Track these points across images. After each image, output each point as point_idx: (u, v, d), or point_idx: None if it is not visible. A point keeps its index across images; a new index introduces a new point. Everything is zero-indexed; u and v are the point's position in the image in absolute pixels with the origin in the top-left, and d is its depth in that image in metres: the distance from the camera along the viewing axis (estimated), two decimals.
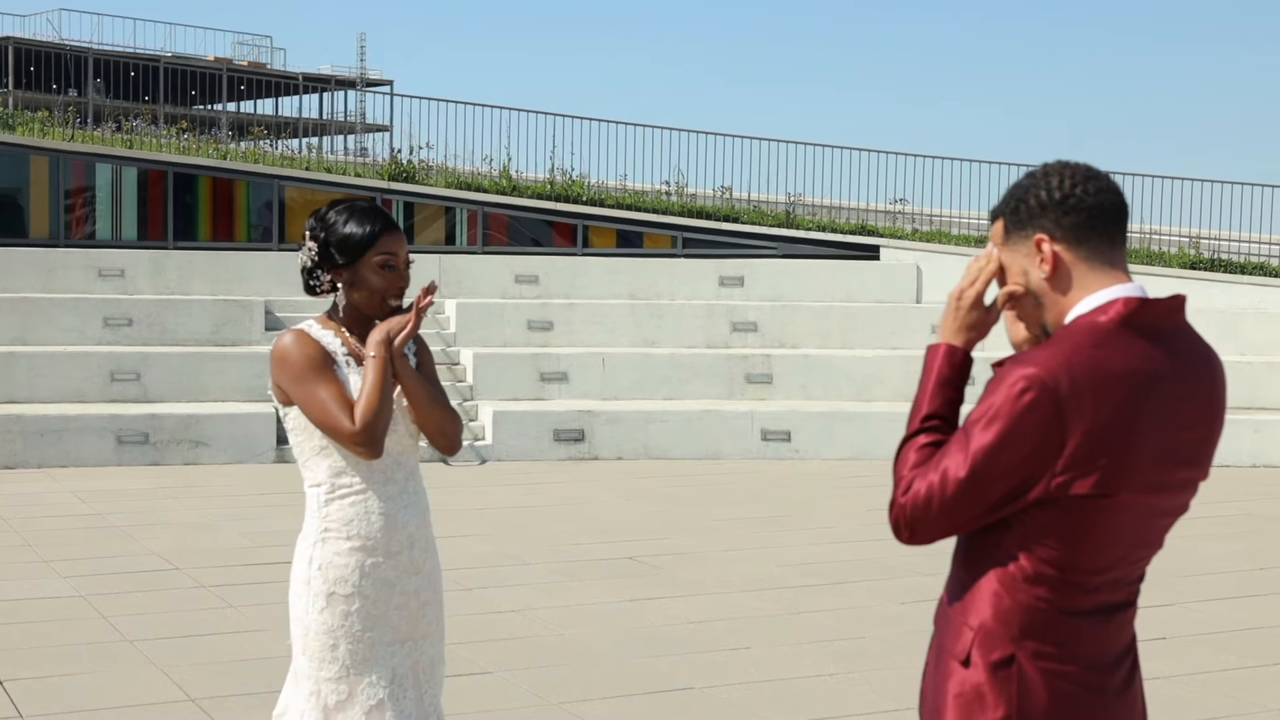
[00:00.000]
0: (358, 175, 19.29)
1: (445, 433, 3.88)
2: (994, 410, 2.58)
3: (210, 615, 7.90)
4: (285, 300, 16.19)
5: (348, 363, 3.79)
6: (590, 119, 21.05)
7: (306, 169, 19.21)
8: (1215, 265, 18.52)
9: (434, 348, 15.77)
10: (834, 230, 19.48)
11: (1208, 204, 20.37)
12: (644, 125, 21.10)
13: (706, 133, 21.11)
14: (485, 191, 19.04)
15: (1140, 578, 2.77)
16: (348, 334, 3.84)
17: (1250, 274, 18.17)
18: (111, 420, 13.47)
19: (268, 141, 25.91)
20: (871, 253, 18.95)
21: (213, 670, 6.82)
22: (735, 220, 19.46)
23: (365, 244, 3.76)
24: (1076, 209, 2.69)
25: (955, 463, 2.62)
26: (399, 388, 3.81)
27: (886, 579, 9.16)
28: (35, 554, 9.40)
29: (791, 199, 20.66)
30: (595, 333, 16.35)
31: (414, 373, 3.83)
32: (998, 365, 2.66)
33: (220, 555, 9.43)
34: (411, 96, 21.23)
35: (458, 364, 15.60)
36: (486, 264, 17.49)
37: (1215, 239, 19.92)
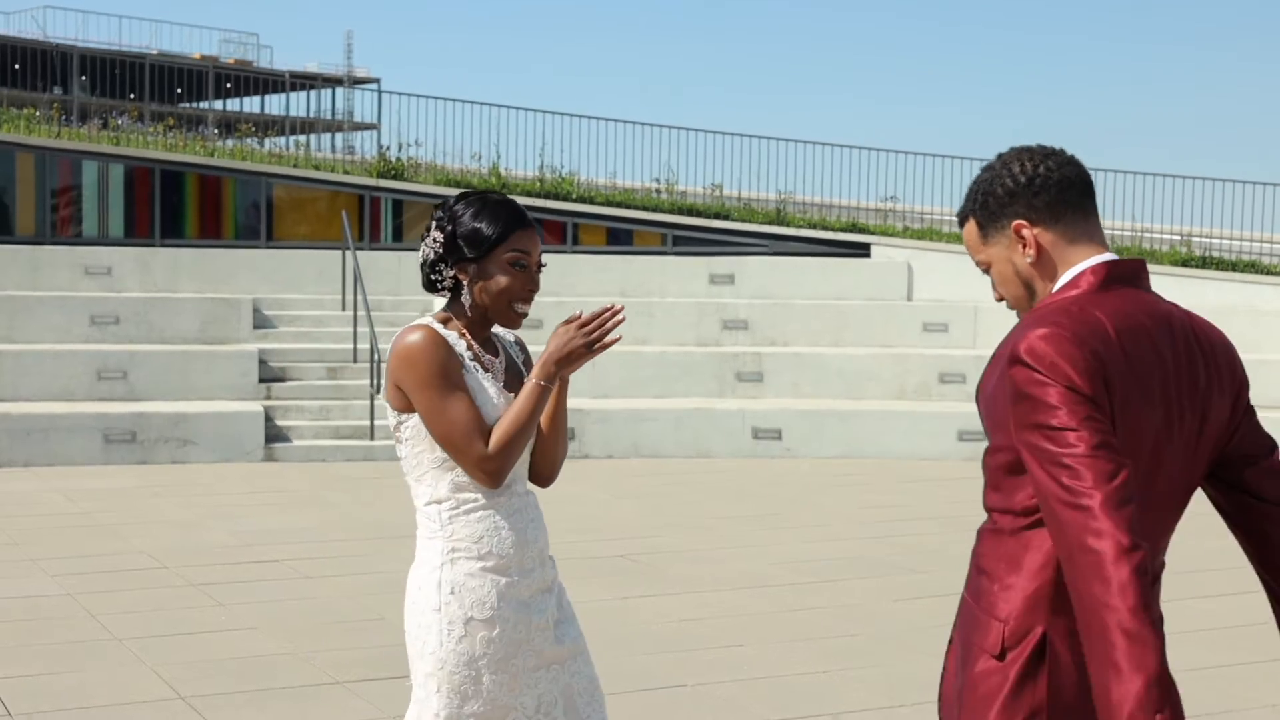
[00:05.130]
0: (346, 173, 19.23)
1: (556, 465, 3.63)
2: (1025, 381, 2.52)
3: (199, 613, 7.83)
4: (273, 298, 16.13)
5: (475, 368, 3.46)
6: (580, 116, 21.03)
7: (295, 166, 19.15)
8: (1207, 263, 18.52)
9: None
10: (825, 228, 19.45)
11: (1199, 202, 20.38)
12: (634, 122, 21.09)
13: (697, 130, 21.11)
14: (474, 189, 18.95)
15: (1163, 548, 2.73)
16: (470, 336, 3.50)
17: (1242, 271, 18.16)
18: (98, 419, 13.40)
19: (255, 139, 25.80)
20: (862, 251, 18.92)
21: (203, 669, 6.76)
22: (726, 218, 19.41)
23: (497, 238, 3.43)
24: (1045, 187, 2.68)
25: (1064, 477, 2.45)
26: (545, 412, 3.51)
27: (878, 576, 9.13)
28: (22, 553, 9.33)
29: (782, 197, 20.63)
30: None
31: (566, 401, 3.55)
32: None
33: (209, 554, 9.37)
34: (399, 94, 21.22)
35: None
36: None
37: (1207, 236, 19.91)
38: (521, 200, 18.77)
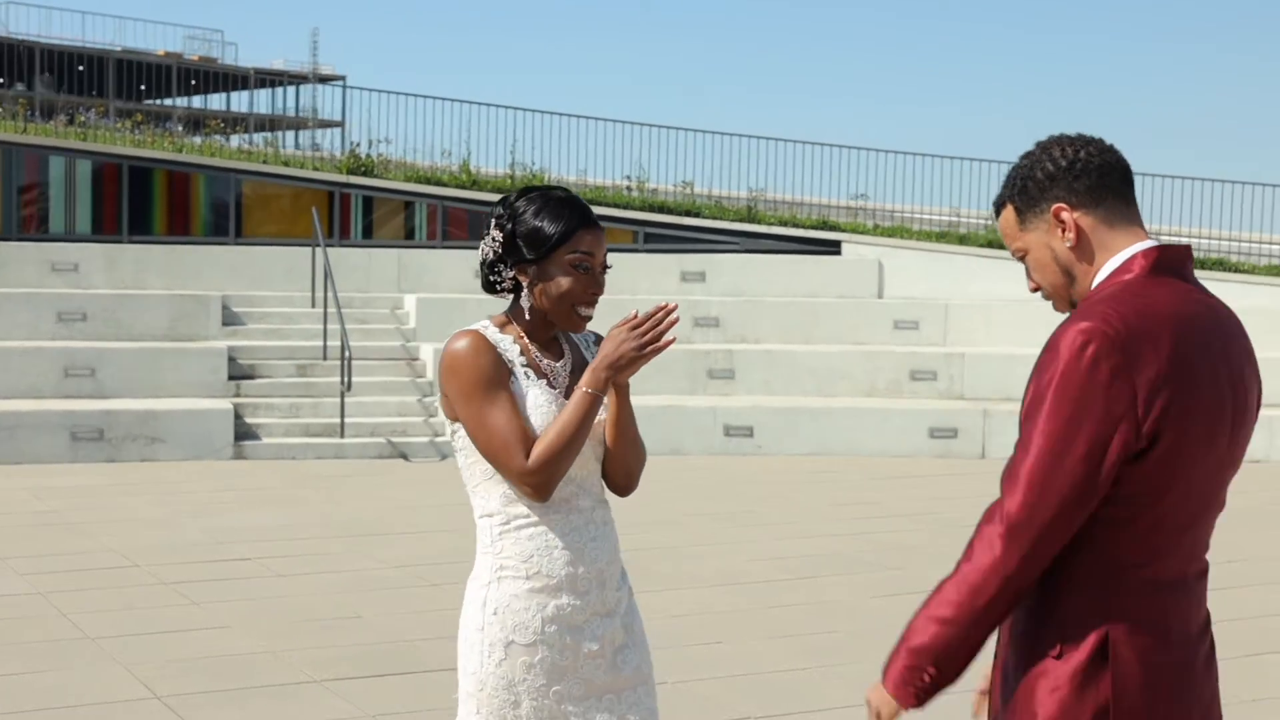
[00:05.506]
0: (316, 169, 19.12)
1: (632, 474, 3.38)
2: (1057, 377, 2.51)
3: (173, 612, 7.76)
4: (242, 295, 16.02)
5: (526, 374, 3.27)
6: (551, 113, 21.00)
7: (264, 163, 19.03)
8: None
9: (392, 343, 15.65)
10: (796, 225, 19.45)
11: (1165, 200, 20.48)
12: (605, 119, 21.06)
13: (668, 127, 21.10)
14: (445, 186, 18.91)
15: (1209, 543, 2.72)
16: (528, 340, 3.32)
17: (1210, 269, 18.23)
18: (66, 416, 13.27)
19: (224, 136, 25.66)
20: (833, 248, 18.92)
21: (178, 668, 6.69)
22: (697, 215, 19.39)
23: (560, 238, 3.24)
24: (1085, 172, 2.66)
25: (1029, 462, 2.53)
26: (607, 420, 3.31)
27: (855, 573, 9.12)
28: None
29: (753, 194, 20.63)
30: None
31: (630, 405, 3.31)
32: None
33: (180, 552, 9.28)
34: (366, 89, 21.12)
35: (417, 359, 15.47)
36: (447, 259, 17.35)
37: (1174, 235, 19.99)
38: (493, 196, 18.73)
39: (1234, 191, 20.55)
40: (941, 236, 19.46)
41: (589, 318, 3.30)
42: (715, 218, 19.39)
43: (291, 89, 40.90)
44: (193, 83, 41.30)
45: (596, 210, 18.41)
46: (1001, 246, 18.80)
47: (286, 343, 15.34)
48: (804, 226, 19.43)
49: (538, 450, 3.17)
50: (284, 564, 8.96)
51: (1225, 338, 2.64)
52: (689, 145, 21.09)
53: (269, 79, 41.38)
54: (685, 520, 10.98)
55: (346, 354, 13.89)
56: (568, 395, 3.30)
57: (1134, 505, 2.54)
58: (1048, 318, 18.62)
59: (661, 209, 19.38)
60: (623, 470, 3.37)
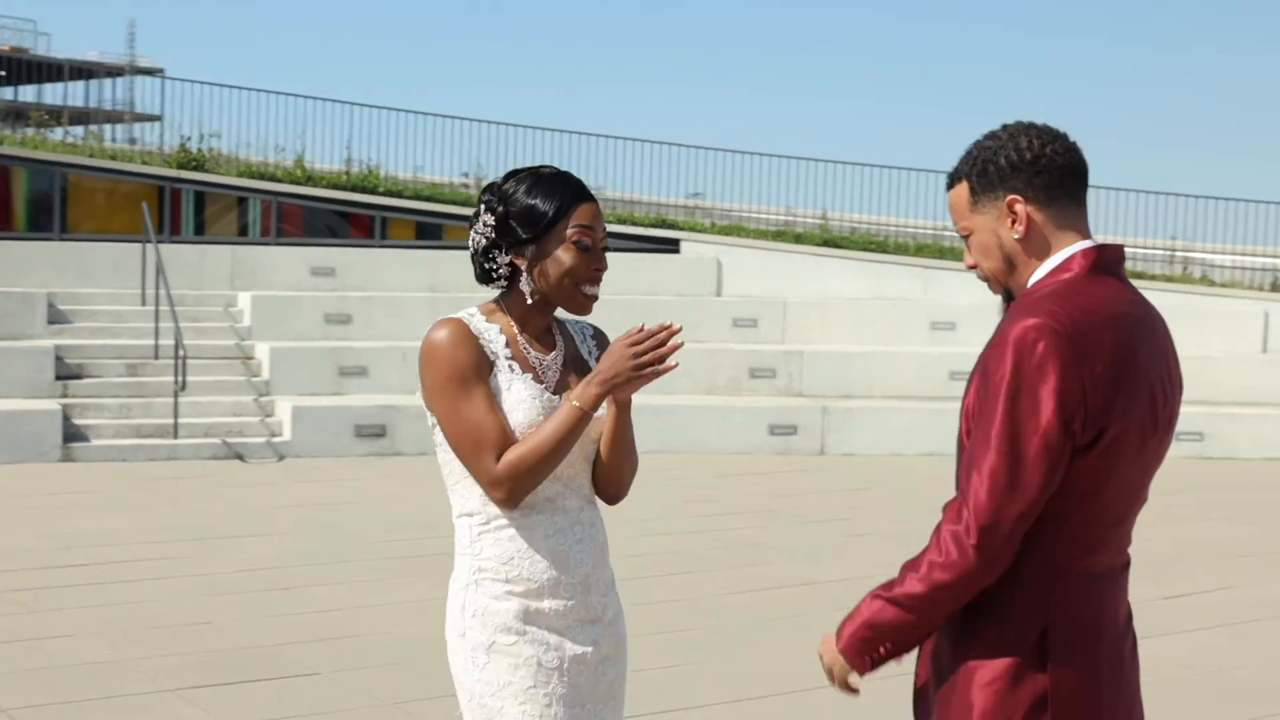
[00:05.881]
0: (145, 163, 18.59)
1: (623, 484, 3.23)
2: (1009, 373, 2.50)
3: (10, 622, 7.44)
4: (69, 293, 15.51)
5: (510, 367, 3.10)
6: (387, 108, 20.80)
7: (91, 156, 18.45)
8: None
9: (226, 342, 15.29)
10: (634, 224, 19.46)
11: None
12: (442, 115, 20.89)
13: (504, 124, 20.99)
14: (279, 181, 18.53)
15: (1131, 537, 2.74)
16: (518, 330, 3.16)
17: None
18: None
19: (48, 129, 24.83)
20: (672, 247, 18.97)
21: (21, 679, 6.41)
22: None
23: (556, 214, 3.08)
24: (1048, 169, 2.66)
25: (990, 459, 2.51)
26: (604, 428, 3.14)
27: (713, 570, 9.13)
28: None
29: (593, 191, 20.57)
30: (395, 326, 16.02)
31: (629, 417, 3.15)
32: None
33: (13, 559, 8.91)
34: (188, 81, 20.57)
35: (253, 359, 15.12)
36: (282, 256, 17.00)
37: None
38: (328, 194, 18.45)
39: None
40: (778, 235, 19.64)
41: (595, 296, 3.15)
42: None
43: (108, 81, 39.78)
44: (3, 74, 39.96)
45: (436, 206, 18.29)
46: (837, 245, 19.06)
47: (116, 341, 14.88)
48: (642, 225, 19.45)
49: (510, 457, 3.01)
50: (126, 569, 8.66)
51: (1156, 337, 2.68)
52: (526, 142, 21.05)
53: (84, 70, 40.18)
54: None
55: (180, 352, 13.52)
56: (557, 390, 3.16)
57: (1073, 501, 2.56)
58: (883, 316, 18.91)
59: None
60: (615, 479, 3.22)
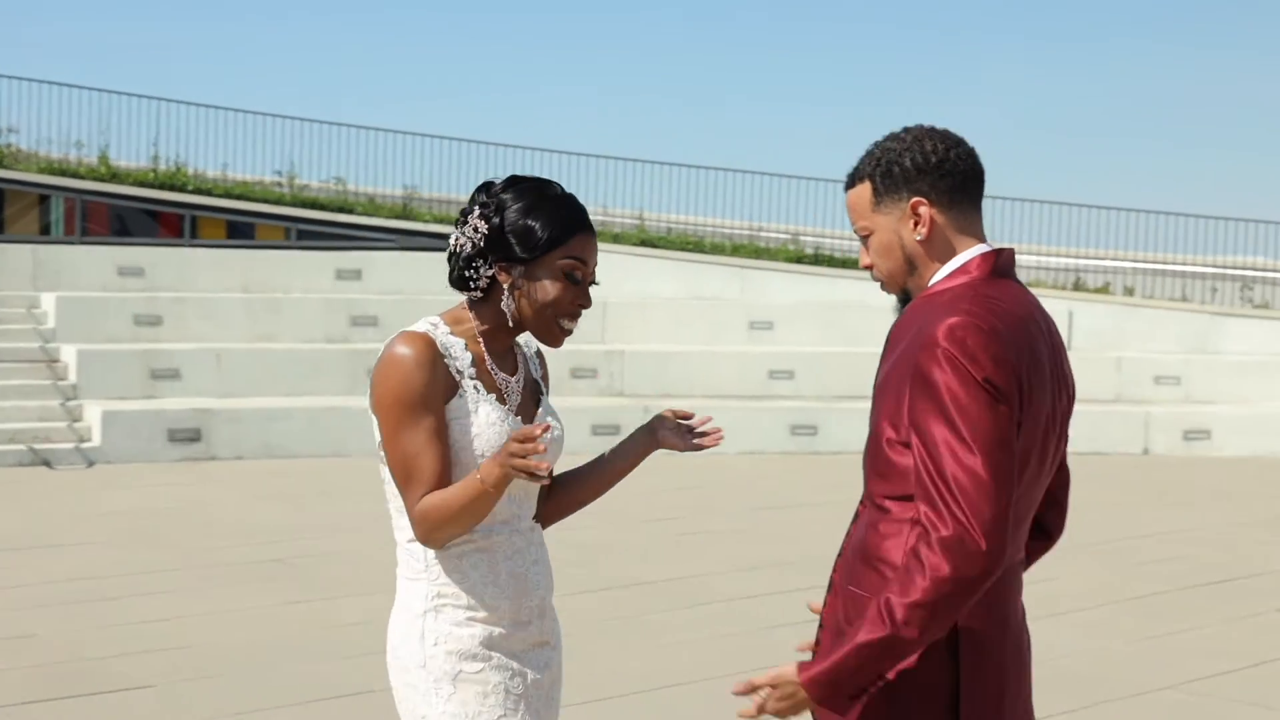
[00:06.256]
0: None
1: (567, 516, 3.18)
2: (950, 374, 2.50)
3: None
4: None
5: (476, 388, 2.93)
6: (196, 104, 20.29)
7: None
8: (819, 260, 19.34)
9: (30, 345, 14.76)
10: (451, 224, 19.28)
11: (811, 201, 21.27)
12: (253, 112, 20.48)
13: (319, 121, 20.66)
14: (83, 179, 17.96)
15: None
16: (484, 346, 2.98)
17: (850, 268, 19.04)
18: None
19: None
20: None
21: None
22: (351, 212, 19.01)
23: (552, 240, 2.89)
24: (952, 173, 2.69)
25: (961, 459, 2.47)
26: (606, 466, 3.11)
27: None
28: None
29: (409, 191, 20.40)
30: (208, 328, 15.65)
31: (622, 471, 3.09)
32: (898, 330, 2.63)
33: None
34: None
35: (58, 361, 14.63)
36: (87, 255, 16.47)
37: (817, 235, 20.79)
38: (135, 191, 17.94)
39: None
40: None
41: (569, 332, 2.98)
42: (370, 215, 19.07)
43: None
44: None
45: (247, 205, 17.84)
46: (654, 245, 19.16)
47: None
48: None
49: (424, 505, 2.86)
50: None
51: (1053, 338, 2.72)
52: (341, 140, 20.75)
53: None
54: (360, 523, 10.69)
55: None
56: (519, 413, 3.03)
57: None
58: (702, 316, 19.00)
59: (314, 205, 18.92)
60: (569, 509, 3.17)
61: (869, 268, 2.79)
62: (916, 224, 2.69)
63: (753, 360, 16.55)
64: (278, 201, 18.73)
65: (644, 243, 19.27)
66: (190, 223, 18.13)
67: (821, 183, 21.34)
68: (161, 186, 18.26)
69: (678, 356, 16.40)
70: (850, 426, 15.04)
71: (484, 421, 2.92)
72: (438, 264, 17.68)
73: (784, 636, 7.53)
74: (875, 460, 2.68)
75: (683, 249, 19.19)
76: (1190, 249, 21.23)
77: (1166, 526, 11.54)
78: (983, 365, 2.50)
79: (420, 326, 2.95)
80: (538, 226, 2.91)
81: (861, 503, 2.83)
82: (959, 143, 2.73)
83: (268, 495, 12.02)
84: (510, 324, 2.97)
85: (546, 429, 2.76)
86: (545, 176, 3.04)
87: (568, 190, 3.00)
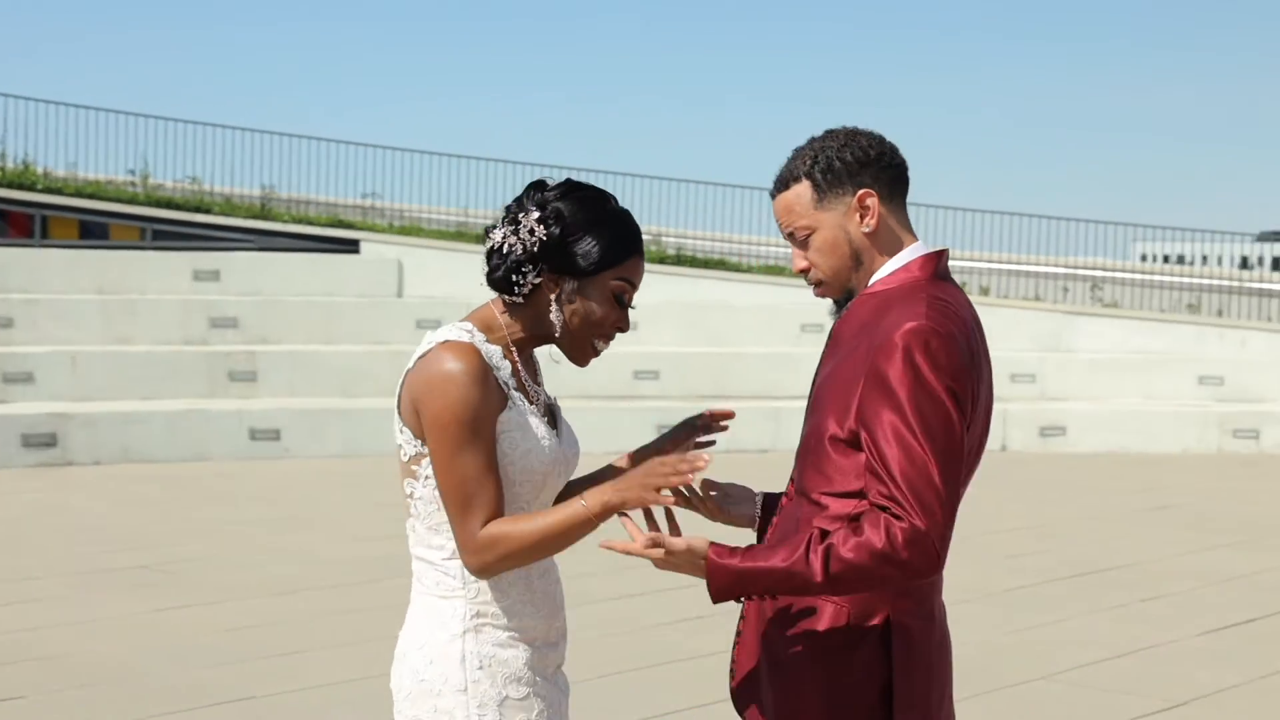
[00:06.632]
0: None
1: None
2: (911, 374, 2.51)
3: None
4: None
5: (521, 400, 2.77)
6: (42, 100, 19.81)
7: None
8: (681, 260, 19.43)
9: None
10: (310, 223, 19.05)
11: (668, 202, 21.38)
12: (103, 109, 20.07)
13: (172, 119, 20.28)
14: None
15: None
16: (516, 353, 2.81)
17: (714, 268, 19.16)
18: None
19: None
20: (352, 247, 18.64)
21: None
22: (208, 212, 18.68)
23: (612, 261, 2.76)
24: (891, 166, 2.72)
25: (918, 462, 2.49)
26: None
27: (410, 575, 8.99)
28: None
29: (266, 192, 20.08)
30: (61, 330, 15.27)
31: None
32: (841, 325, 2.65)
33: None
34: None
35: None
36: None
37: (679, 236, 20.89)
38: None
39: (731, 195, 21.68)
40: (457, 235, 19.56)
41: (599, 353, 2.85)
42: (227, 215, 18.75)
43: None
44: None
45: (100, 205, 17.55)
46: None
47: None
48: (318, 225, 19.07)
49: (495, 531, 2.68)
50: None
51: (984, 341, 2.75)
52: (196, 139, 20.39)
53: None
54: (226, 528, 10.53)
55: None
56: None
57: None
58: None
59: (169, 205, 18.56)
60: None
61: (805, 270, 2.77)
62: (864, 217, 2.70)
63: (620, 361, 16.57)
64: (131, 201, 18.33)
65: None
66: (41, 223, 17.67)
67: (684, 184, 21.46)
68: (10, 185, 17.78)
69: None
70: (760, 424, 15.05)
71: (536, 431, 2.78)
72: (297, 264, 17.52)
73: (666, 636, 7.55)
74: (816, 457, 2.67)
75: None
76: (1042, 249, 21.73)
77: (1028, 521, 11.78)
78: (945, 371, 2.52)
79: (460, 335, 2.74)
80: (600, 244, 2.77)
81: (786, 495, 2.84)
82: (885, 141, 2.76)
83: (129, 501, 11.76)
84: (550, 334, 2.82)
85: (708, 461, 2.60)
86: (602, 188, 2.88)
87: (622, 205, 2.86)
